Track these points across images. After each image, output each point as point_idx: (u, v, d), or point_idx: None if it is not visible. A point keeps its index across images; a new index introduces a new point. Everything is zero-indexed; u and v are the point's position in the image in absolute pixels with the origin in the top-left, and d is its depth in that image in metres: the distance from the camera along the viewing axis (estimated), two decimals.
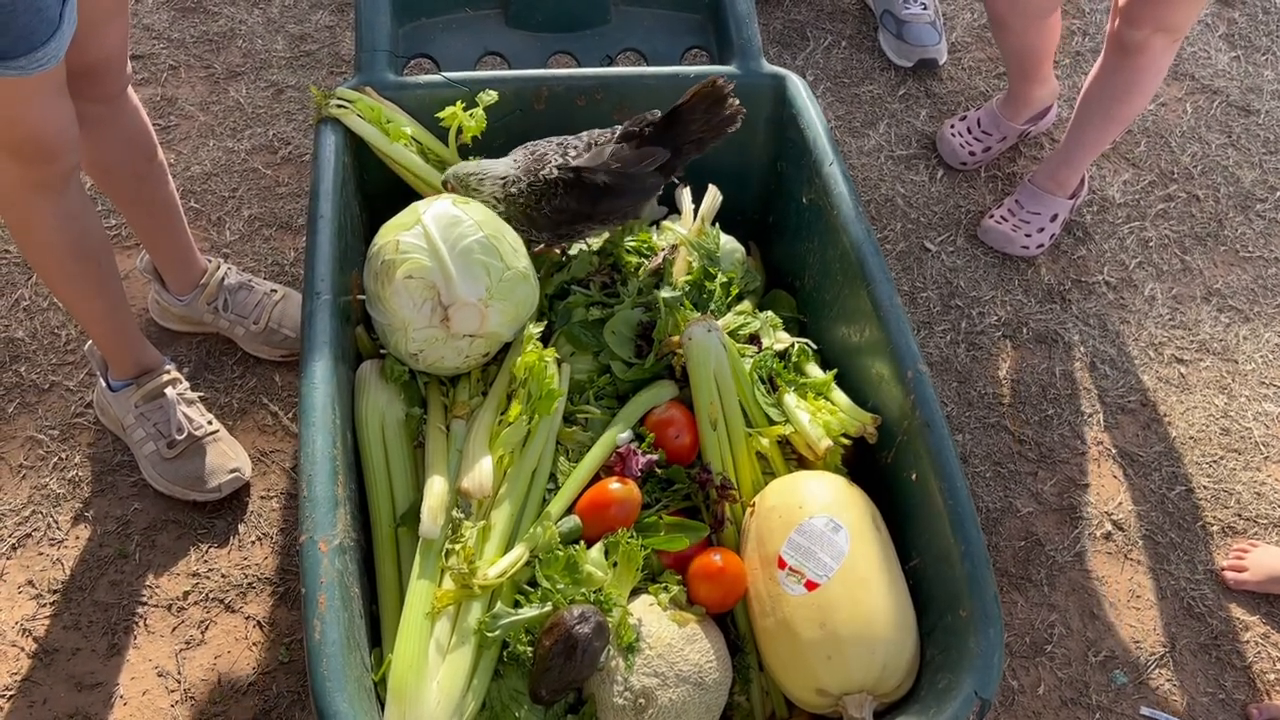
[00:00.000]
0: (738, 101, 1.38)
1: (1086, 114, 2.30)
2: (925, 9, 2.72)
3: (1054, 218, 2.40)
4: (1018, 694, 1.82)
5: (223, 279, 2.03)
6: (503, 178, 1.49)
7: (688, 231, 1.62)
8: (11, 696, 1.67)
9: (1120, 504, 2.05)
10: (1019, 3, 2.22)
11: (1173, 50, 2.16)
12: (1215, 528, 2.04)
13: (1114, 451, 2.13)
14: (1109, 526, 2.02)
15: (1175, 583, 1.96)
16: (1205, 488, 2.09)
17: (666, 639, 1.24)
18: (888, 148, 2.59)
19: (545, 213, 1.48)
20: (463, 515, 1.29)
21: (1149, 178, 2.60)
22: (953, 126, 2.58)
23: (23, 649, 1.72)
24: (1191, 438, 2.16)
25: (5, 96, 1.39)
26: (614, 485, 1.34)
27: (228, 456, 1.89)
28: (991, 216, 2.42)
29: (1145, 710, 1.80)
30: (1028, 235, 2.39)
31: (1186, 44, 2.91)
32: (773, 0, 2.88)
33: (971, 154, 2.54)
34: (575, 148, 1.49)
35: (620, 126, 1.47)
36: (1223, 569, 1.97)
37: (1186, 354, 2.30)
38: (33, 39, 1.32)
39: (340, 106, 1.55)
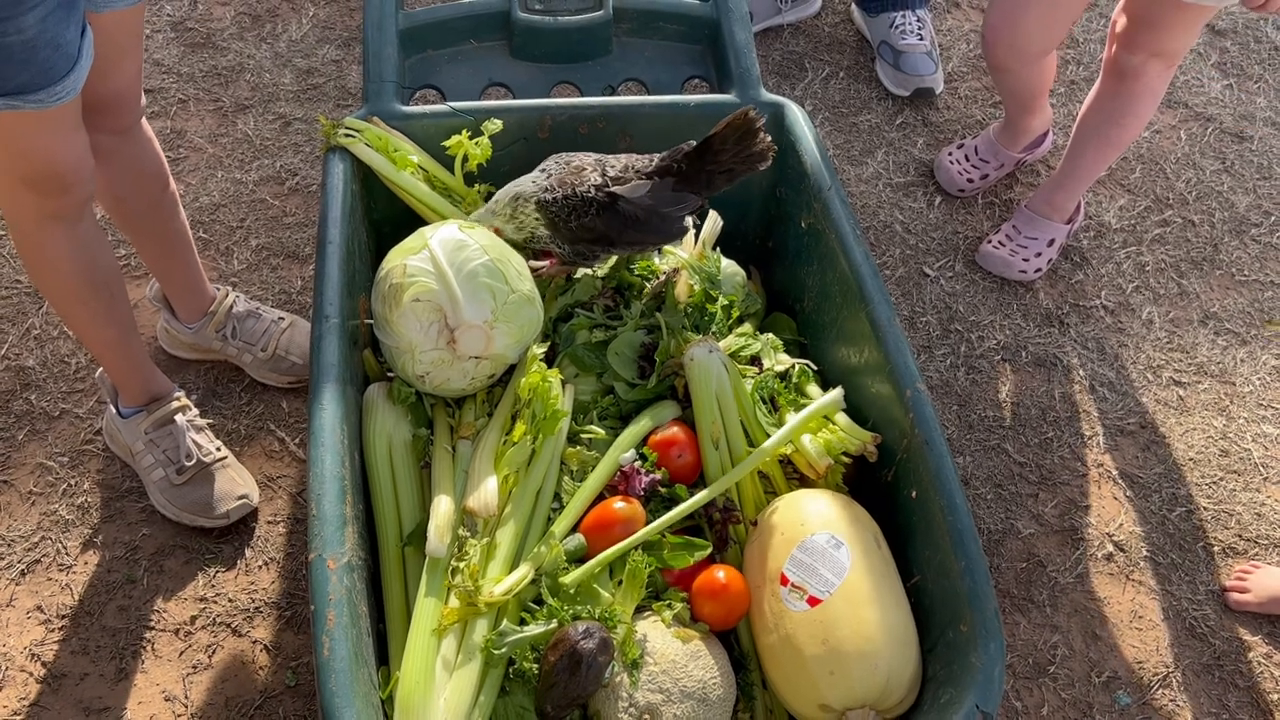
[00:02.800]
0: (770, 138, 1.41)
1: (1083, 139, 2.34)
2: (921, 39, 2.77)
3: (1051, 242, 2.43)
4: (1021, 715, 1.82)
5: (231, 307, 2.06)
6: (542, 186, 1.53)
7: (689, 255, 1.65)
8: None
9: (1121, 525, 2.07)
10: (1018, 48, 2.25)
11: (1168, 76, 2.20)
12: (1216, 548, 2.05)
13: (1114, 473, 2.14)
14: (1110, 548, 2.04)
15: (1177, 603, 1.97)
16: (1205, 509, 2.10)
17: (671, 655, 1.25)
18: (886, 175, 2.63)
19: (572, 225, 1.51)
20: (468, 534, 1.31)
21: (1144, 203, 2.64)
22: (950, 154, 2.61)
23: (31, 674, 1.73)
24: (1191, 459, 2.18)
25: (25, 130, 1.42)
26: (618, 504, 1.36)
27: (236, 483, 1.91)
28: (989, 242, 2.45)
29: None
30: (1025, 260, 2.42)
31: (1180, 72, 2.95)
32: (771, 32, 2.93)
33: (969, 181, 2.57)
34: (613, 168, 1.52)
35: (658, 157, 1.50)
36: (1225, 589, 1.98)
37: (1184, 376, 2.32)
38: (52, 73, 1.36)
39: (348, 135, 1.59)
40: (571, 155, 1.56)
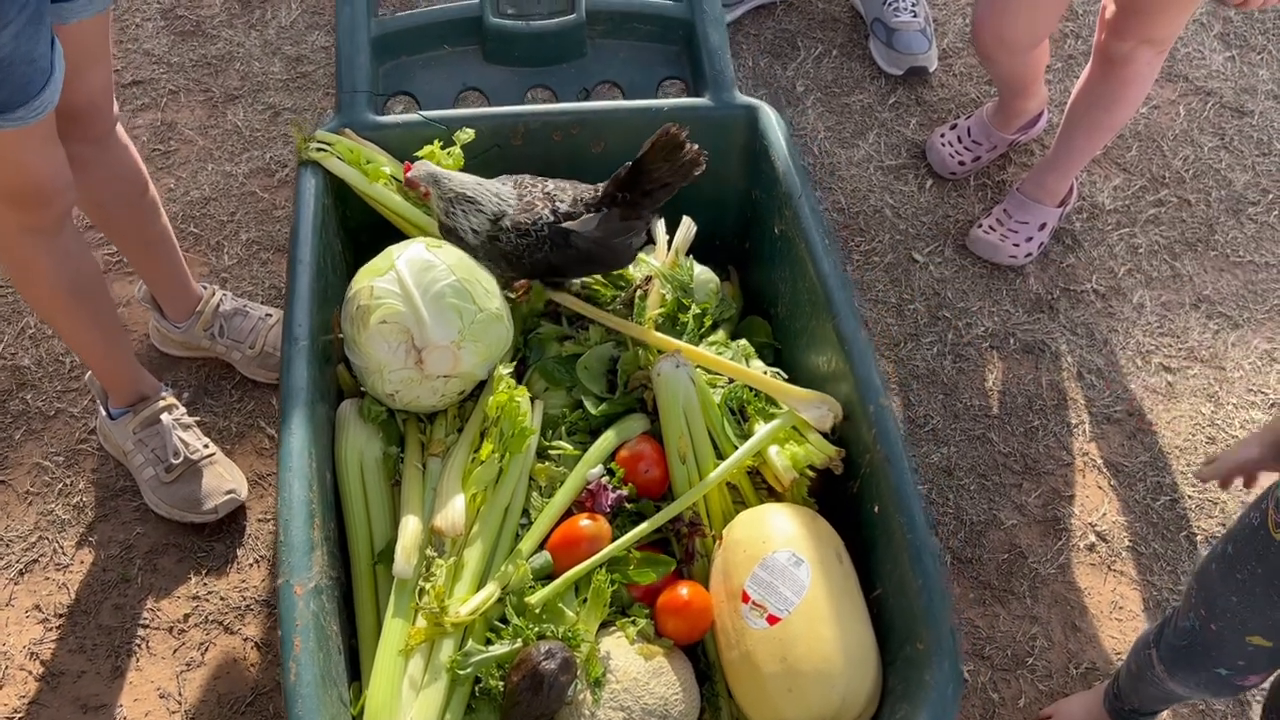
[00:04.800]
0: (696, 146, 1.41)
1: (1074, 123, 2.31)
2: (915, 16, 2.73)
3: (1042, 226, 2.41)
4: (998, 706, 1.85)
5: (218, 305, 2.09)
6: (495, 217, 1.52)
7: (661, 264, 1.66)
8: (20, 719, 1.74)
9: (1104, 515, 2.08)
10: (1006, 42, 2.21)
11: (1159, 61, 2.17)
12: (1200, 537, 2.05)
13: (1099, 462, 2.15)
14: (1092, 538, 2.05)
15: (1158, 594, 1.98)
16: (1190, 497, 2.11)
17: (633, 673, 1.28)
18: (877, 158, 2.61)
19: (525, 263, 1.53)
20: (436, 554, 1.33)
21: (1140, 182, 2.61)
22: (942, 136, 2.59)
23: (30, 672, 1.79)
24: (1178, 447, 2.18)
25: (4, 148, 1.44)
26: (584, 522, 1.38)
27: (223, 478, 1.95)
28: (980, 226, 2.44)
29: None
30: (1015, 245, 2.40)
31: (1180, 45, 2.90)
32: (764, 9, 2.89)
33: (961, 163, 2.55)
34: (563, 202, 1.52)
35: (602, 187, 1.50)
36: None
37: (1174, 362, 2.31)
38: (29, 89, 1.37)
39: (320, 150, 1.59)
40: (524, 186, 1.55)
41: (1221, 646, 1.39)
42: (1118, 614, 1.96)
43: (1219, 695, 1.52)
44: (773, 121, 1.69)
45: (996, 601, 1.96)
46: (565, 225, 1.47)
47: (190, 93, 2.61)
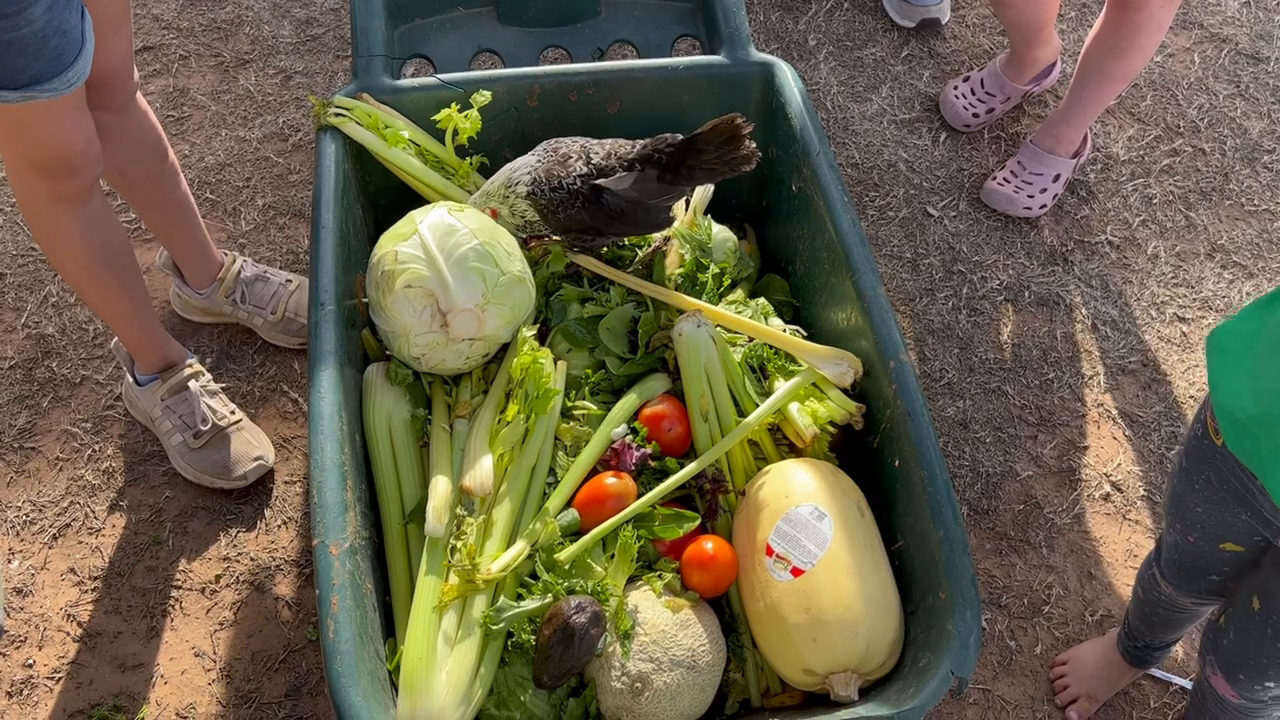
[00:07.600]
0: (754, 145, 1.40)
1: (1087, 72, 2.30)
2: None
3: (1057, 178, 2.41)
4: (1015, 654, 1.88)
5: (239, 272, 2.10)
6: (529, 178, 1.54)
7: (680, 224, 1.66)
8: (60, 679, 1.79)
9: (1119, 465, 2.10)
10: None
11: (1173, 7, 2.16)
12: None
13: (1114, 413, 2.17)
14: (1108, 488, 2.07)
15: None
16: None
17: (660, 625, 1.31)
18: (891, 112, 2.60)
19: (560, 217, 1.54)
20: (466, 513, 1.36)
21: (1154, 132, 2.60)
22: (956, 88, 2.58)
23: (68, 633, 1.83)
24: (1192, 396, 2.20)
25: (37, 118, 1.46)
26: (609, 480, 1.40)
27: (251, 445, 1.98)
28: (994, 179, 2.44)
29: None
30: (1030, 196, 2.40)
31: None
32: None
33: (975, 116, 2.55)
34: (597, 154, 1.52)
35: (639, 145, 1.49)
36: (1061, 709, 1.82)
37: (1188, 312, 2.32)
38: (63, 60, 1.39)
39: (339, 115, 1.60)
40: (560, 142, 1.56)
41: (1203, 555, 1.45)
42: (1132, 562, 1.99)
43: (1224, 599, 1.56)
44: (789, 78, 1.69)
45: (1013, 551, 1.99)
46: (599, 182, 1.47)
47: (201, 58, 2.61)
